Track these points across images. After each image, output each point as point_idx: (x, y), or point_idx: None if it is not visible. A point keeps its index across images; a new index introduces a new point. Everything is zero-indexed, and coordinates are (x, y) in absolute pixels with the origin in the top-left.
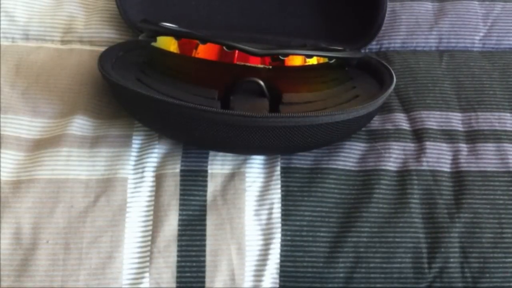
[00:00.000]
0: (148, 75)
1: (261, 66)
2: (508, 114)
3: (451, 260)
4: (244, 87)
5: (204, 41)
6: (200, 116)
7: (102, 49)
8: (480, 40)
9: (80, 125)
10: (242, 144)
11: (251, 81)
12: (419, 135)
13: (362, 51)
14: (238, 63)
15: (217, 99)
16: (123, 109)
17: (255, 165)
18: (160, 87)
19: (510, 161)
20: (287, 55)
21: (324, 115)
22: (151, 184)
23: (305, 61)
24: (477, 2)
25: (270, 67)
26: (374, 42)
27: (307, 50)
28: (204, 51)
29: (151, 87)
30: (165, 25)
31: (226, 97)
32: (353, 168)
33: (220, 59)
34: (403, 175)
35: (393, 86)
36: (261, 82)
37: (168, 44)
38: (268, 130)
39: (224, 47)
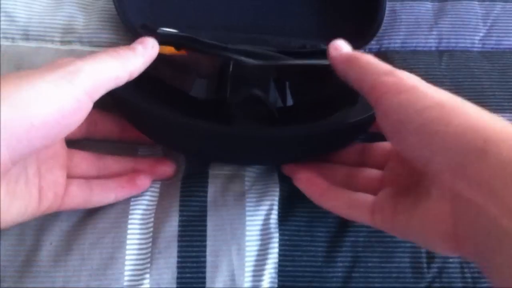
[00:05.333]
0: (148, 81)
1: None
2: (508, 115)
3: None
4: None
5: (203, 52)
6: (199, 132)
7: (102, 50)
8: (480, 40)
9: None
10: (244, 157)
11: (252, 94)
12: None
13: (362, 50)
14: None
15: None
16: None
17: (254, 166)
18: (160, 95)
19: None
20: (284, 65)
21: (327, 125)
22: (152, 185)
23: None
24: (477, 2)
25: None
26: (374, 42)
27: (304, 59)
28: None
29: (151, 95)
30: (165, 30)
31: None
32: None
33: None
34: None
35: None
36: (263, 94)
37: (168, 49)
38: (276, 141)
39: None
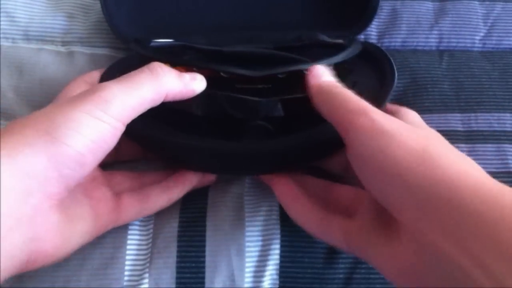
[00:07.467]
0: None
1: (261, 86)
2: (508, 115)
3: None
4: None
5: (200, 67)
6: (197, 150)
7: (102, 51)
8: (480, 40)
9: None
10: (248, 169)
11: (256, 124)
12: None
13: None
14: (236, 85)
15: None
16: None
17: None
18: (158, 111)
19: (510, 161)
20: (285, 73)
21: (329, 133)
22: None
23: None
24: (477, 2)
25: (270, 86)
26: (374, 41)
27: (304, 62)
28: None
29: (150, 110)
30: (158, 41)
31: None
32: None
33: (214, 74)
34: None
35: (395, 84)
36: (267, 124)
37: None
38: (274, 155)
39: (221, 73)
